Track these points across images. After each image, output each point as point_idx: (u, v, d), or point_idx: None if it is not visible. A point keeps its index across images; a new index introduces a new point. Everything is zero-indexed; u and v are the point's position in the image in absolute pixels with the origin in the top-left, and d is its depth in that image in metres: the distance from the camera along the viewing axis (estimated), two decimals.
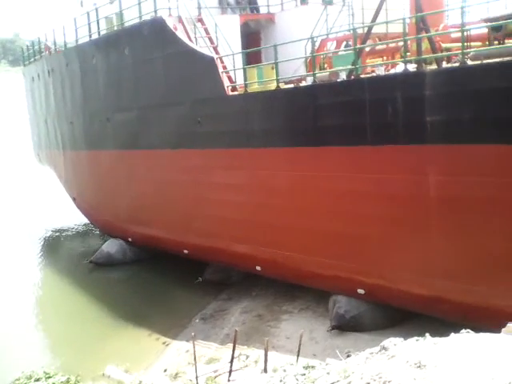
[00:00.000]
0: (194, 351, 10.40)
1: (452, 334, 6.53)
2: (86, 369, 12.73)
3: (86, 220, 26.97)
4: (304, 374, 6.58)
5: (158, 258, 20.20)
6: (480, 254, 10.80)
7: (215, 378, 9.98)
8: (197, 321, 15.24)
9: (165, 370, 12.29)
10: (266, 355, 8.69)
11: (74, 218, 28.44)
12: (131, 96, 19.12)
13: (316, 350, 11.30)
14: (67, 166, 25.65)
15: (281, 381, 6.53)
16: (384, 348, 6.41)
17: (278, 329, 13.75)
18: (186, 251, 18.31)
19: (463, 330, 6.65)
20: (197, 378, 9.97)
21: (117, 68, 19.55)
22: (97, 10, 20.40)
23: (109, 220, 22.75)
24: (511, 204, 10.29)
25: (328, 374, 6.58)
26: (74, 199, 26.58)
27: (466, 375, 5.14)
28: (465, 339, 6.20)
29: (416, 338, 6.58)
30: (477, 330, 6.61)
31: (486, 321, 8.53)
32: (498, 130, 10.31)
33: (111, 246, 21.89)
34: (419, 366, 5.58)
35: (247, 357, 11.46)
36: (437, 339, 6.32)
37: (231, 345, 11.03)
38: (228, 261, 16.93)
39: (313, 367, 6.79)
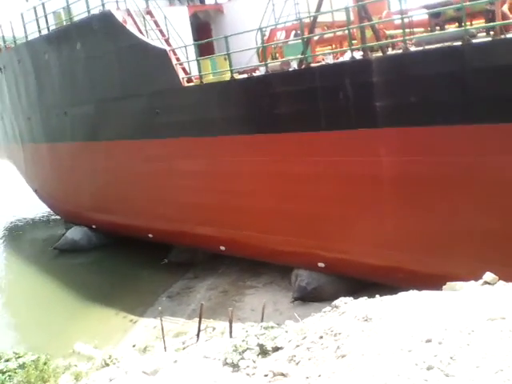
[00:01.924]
0: (162, 325, 10.73)
1: (399, 292, 7.10)
2: (55, 347, 12.91)
3: (48, 209, 27.04)
4: (264, 334, 7.06)
5: (123, 243, 20.40)
6: (428, 228, 11.47)
7: (183, 349, 10.36)
8: (163, 299, 15.60)
9: (133, 345, 12.57)
10: (230, 322, 9.13)
11: (37, 208, 28.44)
12: (87, 90, 19.27)
13: (280, 319, 11.56)
14: (27, 159, 25.74)
15: (243, 340, 6.98)
16: (335, 306, 6.93)
17: (243, 303, 14.25)
18: (150, 235, 18.67)
19: (410, 290, 7.21)
20: (165, 348, 10.35)
21: (70, 63, 19.65)
22: (43, 4, 20.15)
23: (72, 209, 22.97)
24: (455, 181, 10.94)
25: (286, 332, 7.07)
26: (35, 191, 26.67)
27: (407, 325, 5.67)
28: (409, 296, 6.76)
29: (365, 297, 7.13)
30: None
31: (436, 286, 9.13)
32: (441, 112, 10.86)
33: (75, 233, 22.09)
34: (366, 320, 6.10)
35: (214, 329, 11.87)
36: (384, 297, 6.87)
37: (198, 319, 11.38)
38: (193, 243, 17.33)
39: (272, 327, 7.28)
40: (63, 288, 17.62)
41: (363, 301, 6.94)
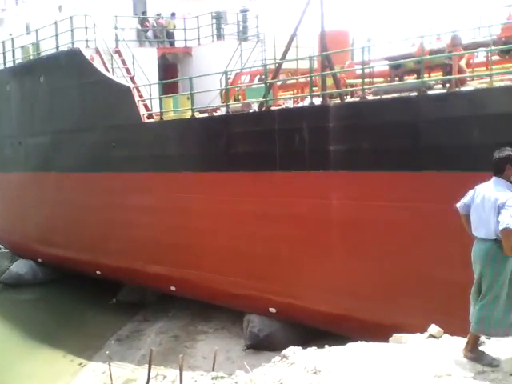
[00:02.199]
0: (110, 371, 10.57)
1: (348, 343, 7.25)
2: None
3: None
4: None
5: (70, 279, 20.06)
6: (378, 274, 11.62)
7: None
8: (112, 342, 15.27)
9: None
10: (181, 371, 9.10)
11: None
12: (45, 121, 19.47)
13: (232, 368, 11.35)
14: None
15: None
16: (285, 356, 7.01)
17: (195, 349, 14.05)
18: (98, 272, 18.43)
19: (358, 341, 7.37)
20: None
21: (31, 94, 19.92)
22: (13, 39, 20.77)
23: (18, 241, 22.63)
24: (406, 226, 11.19)
25: (236, 383, 7.12)
26: None
27: (355, 378, 5.85)
28: (357, 347, 6.95)
29: (315, 347, 7.26)
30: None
31: (387, 336, 9.24)
32: (393, 159, 11.27)
33: (20, 267, 21.67)
34: (315, 372, 6.23)
35: (164, 377, 11.65)
36: (332, 348, 7.02)
37: (148, 365, 11.19)
38: (142, 281, 17.14)
39: (222, 377, 7.31)
40: (6, 325, 17.12)
41: (312, 351, 7.06)
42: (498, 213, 5.57)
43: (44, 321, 17.87)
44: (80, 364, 14.22)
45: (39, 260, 21.38)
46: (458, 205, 6.26)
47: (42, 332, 16.33)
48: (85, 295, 18.73)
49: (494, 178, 5.92)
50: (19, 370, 14.15)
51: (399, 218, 11.27)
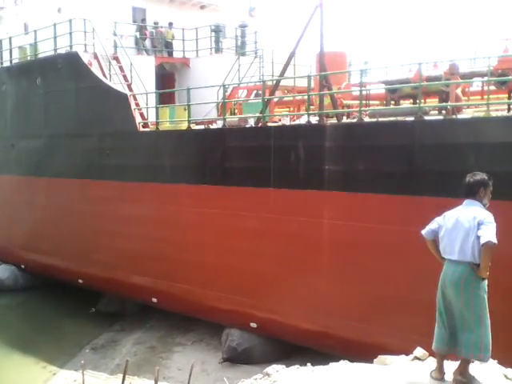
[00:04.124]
0: (83, 379, 10.28)
1: (331, 363, 7.08)
2: None
3: None
4: None
5: (52, 287, 19.77)
6: (360, 295, 11.57)
7: None
8: (87, 351, 14.98)
9: None
10: (156, 382, 8.86)
11: None
12: (39, 125, 19.21)
13: (207, 381, 11.55)
14: None
15: None
16: (267, 374, 6.84)
17: (170, 360, 13.82)
18: (80, 281, 18.15)
19: (341, 361, 7.20)
20: None
21: (27, 96, 19.66)
22: (10, 38, 20.58)
23: (2, 245, 22.24)
24: (391, 250, 11.15)
25: None
26: None
27: None
28: (340, 367, 6.77)
29: (297, 366, 7.07)
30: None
31: (367, 355, 9.14)
32: (386, 182, 11.24)
33: (2, 272, 21.29)
34: None
35: None
36: (315, 367, 6.83)
37: (121, 375, 10.95)
38: (124, 292, 16.88)
39: None
40: None
41: (295, 370, 6.89)
42: (478, 229, 5.63)
43: (20, 327, 17.55)
44: (51, 372, 13.90)
45: (22, 266, 21.04)
46: (423, 232, 6.34)
47: (16, 338, 16.03)
48: (64, 304, 18.46)
49: (466, 201, 6.02)
50: None
51: (386, 240, 11.22)
